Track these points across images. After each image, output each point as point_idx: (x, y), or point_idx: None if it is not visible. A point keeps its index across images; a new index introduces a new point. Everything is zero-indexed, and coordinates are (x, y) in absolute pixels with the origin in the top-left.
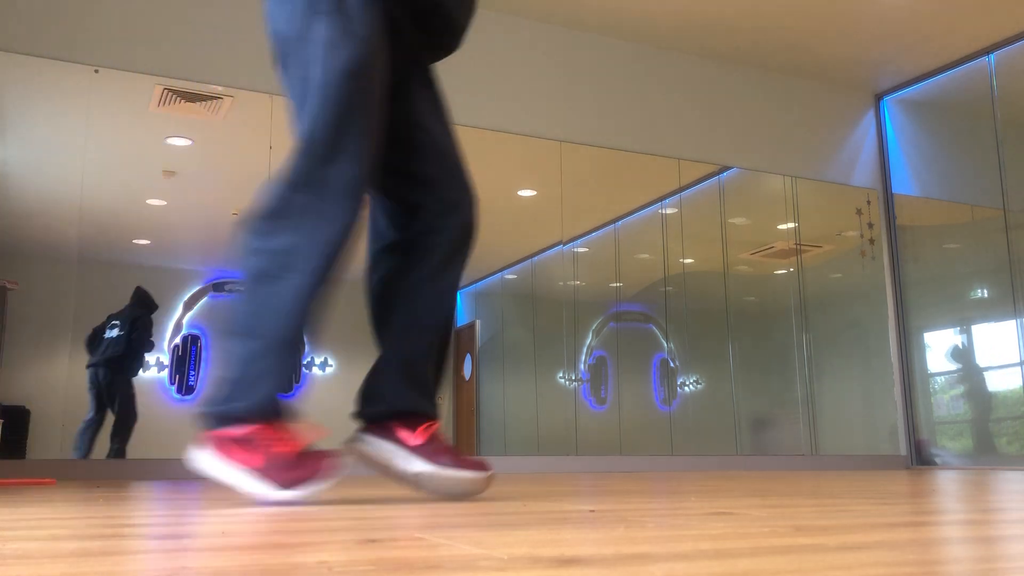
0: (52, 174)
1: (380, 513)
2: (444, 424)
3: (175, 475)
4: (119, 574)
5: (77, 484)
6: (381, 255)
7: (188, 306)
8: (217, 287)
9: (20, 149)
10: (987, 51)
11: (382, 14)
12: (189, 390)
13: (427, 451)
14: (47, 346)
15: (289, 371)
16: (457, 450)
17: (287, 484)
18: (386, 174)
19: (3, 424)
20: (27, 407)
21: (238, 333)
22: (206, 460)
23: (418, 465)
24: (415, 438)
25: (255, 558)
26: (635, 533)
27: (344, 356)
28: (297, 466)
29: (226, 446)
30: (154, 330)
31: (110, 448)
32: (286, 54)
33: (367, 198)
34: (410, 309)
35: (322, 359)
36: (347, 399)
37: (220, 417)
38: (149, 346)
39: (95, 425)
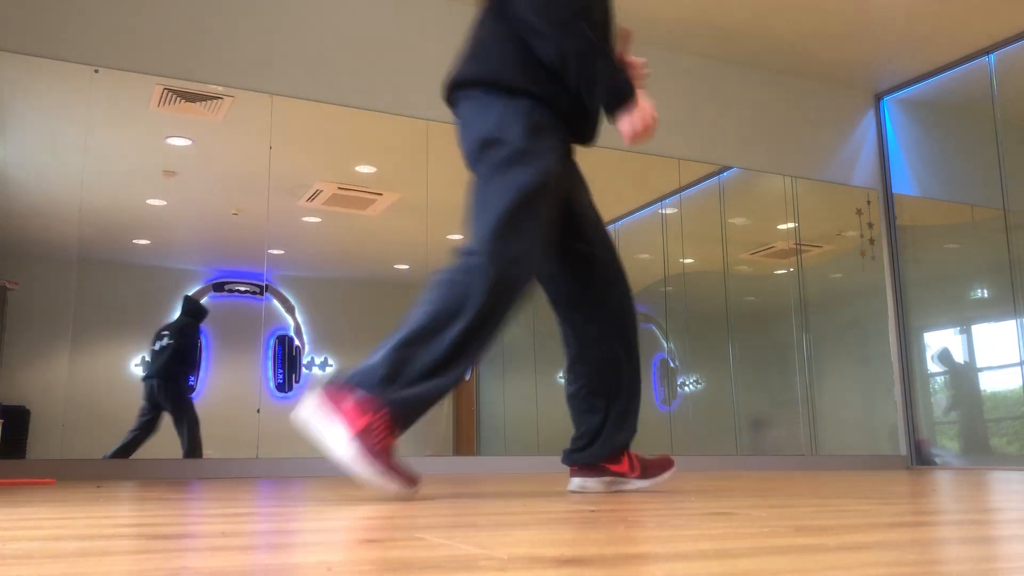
0: (52, 174)
1: (380, 513)
2: (444, 424)
3: (176, 475)
4: (119, 574)
5: (77, 484)
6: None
7: None
8: (217, 287)
9: (20, 149)
10: (987, 51)
11: (561, 132)
12: (189, 390)
13: (637, 473)
14: (47, 346)
15: (431, 392)
16: (649, 459)
17: (369, 459)
18: (564, 251)
19: (3, 424)
20: (27, 407)
21: (413, 343)
22: (314, 409)
23: (635, 484)
24: (623, 468)
25: (255, 558)
26: (635, 533)
27: (344, 356)
28: (383, 455)
29: (340, 401)
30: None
31: (184, 453)
32: (478, 157)
33: (527, 283)
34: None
35: (322, 359)
36: None
37: (358, 386)
38: (194, 355)
39: (139, 433)
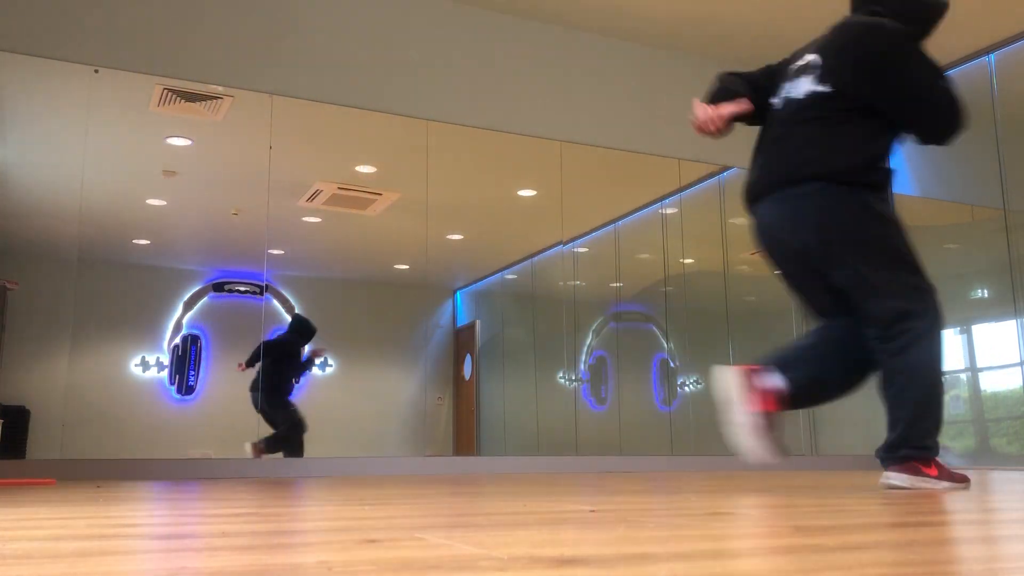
0: (52, 174)
1: (380, 513)
2: (444, 424)
3: (175, 475)
4: (119, 574)
5: (77, 484)
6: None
7: (188, 306)
8: (217, 287)
9: (20, 149)
10: (987, 51)
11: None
12: (189, 390)
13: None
14: (47, 346)
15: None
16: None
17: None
18: None
19: (3, 424)
20: (27, 407)
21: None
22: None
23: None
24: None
25: (255, 558)
26: (635, 533)
27: (344, 356)
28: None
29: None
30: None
31: (272, 452)
32: (848, 245)
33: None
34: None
35: (322, 359)
36: (347, 399)
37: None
38: (305, 363)
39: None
